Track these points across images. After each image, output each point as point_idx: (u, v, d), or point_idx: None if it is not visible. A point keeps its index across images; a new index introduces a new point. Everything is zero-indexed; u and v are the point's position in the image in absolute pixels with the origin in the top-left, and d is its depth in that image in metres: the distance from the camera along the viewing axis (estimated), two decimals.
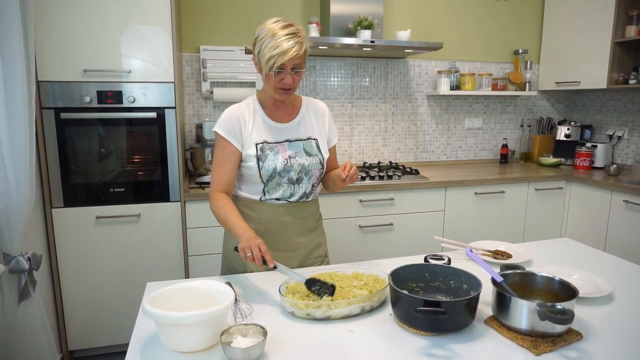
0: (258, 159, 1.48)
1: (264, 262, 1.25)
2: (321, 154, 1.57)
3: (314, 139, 1.57)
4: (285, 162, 1.49)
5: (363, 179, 2.74)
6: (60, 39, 2.14)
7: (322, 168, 1.58)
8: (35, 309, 1.76)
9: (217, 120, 1.52)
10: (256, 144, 1.49)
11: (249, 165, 1.49)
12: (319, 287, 1.23)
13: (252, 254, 1.24)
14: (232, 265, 1.60)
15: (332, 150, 1.66)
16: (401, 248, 2.78)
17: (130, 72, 2.25)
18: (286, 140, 1.53)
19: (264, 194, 1.53)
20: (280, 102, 1.54)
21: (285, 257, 1.55)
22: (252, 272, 1.51)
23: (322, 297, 1.20)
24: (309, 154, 1.54)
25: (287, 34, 1.36)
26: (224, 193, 1.48)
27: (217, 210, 1.45)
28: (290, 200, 1.55)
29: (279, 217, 1.55)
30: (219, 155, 1.50)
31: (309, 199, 1.59)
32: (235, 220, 1.39)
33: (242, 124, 1.49)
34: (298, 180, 1.53)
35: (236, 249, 1.31)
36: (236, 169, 1.51)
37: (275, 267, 1.27)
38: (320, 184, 1.65)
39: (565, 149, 3.53)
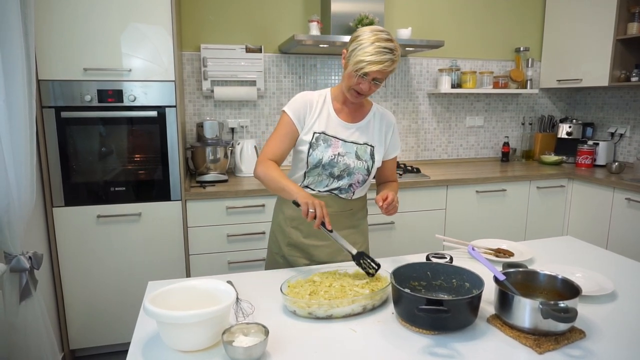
0: (310, 146, 1.54)
1: (322, 224, 1.33)
2: (372, 161, 1.59)
3: (371, 146, 1.60)
4: (333, 157, 1.55)
5: None
6: (60, 37, 2.13)
7: (368, 175, 1.60)
8: (36, 308, 1.76)
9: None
10: (314, 133, 1.55)
11: (301, 149, 1.57)
12: (367, 262, 1.32)
13: (314, 211, 1.31)
14: (273, 257, 1.70)
15: (389, 162, 1.69)
16: (403, 247, 2.77)
17: (130, 70, 2.24)
18: (342, 140, 1.57)
19: (304, 178, 1.59)
20: (350, 102, 1.58)
21: (315, 245, 1.62)
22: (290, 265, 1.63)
23: (365, 271, 1.31)
24: (358, 158, 1.57)
25: (385, 48, 1.39)
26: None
27: (268, 173, 1.49)
28: (322, 190, 1.59)
29: None
30: (279, 129, 1.57)
31: (342, 195, 1.61)
32: (288, 181, 1.45)
33: (308, 109, 1.57)
34: (339, 177, 1.58)
35: (295, 203, 1.37)
36: (289, 148, 1.59)
37: (331, 231, 1.34)
38: (363, 187, 1.65)
39: (567, 147, 3.52)
